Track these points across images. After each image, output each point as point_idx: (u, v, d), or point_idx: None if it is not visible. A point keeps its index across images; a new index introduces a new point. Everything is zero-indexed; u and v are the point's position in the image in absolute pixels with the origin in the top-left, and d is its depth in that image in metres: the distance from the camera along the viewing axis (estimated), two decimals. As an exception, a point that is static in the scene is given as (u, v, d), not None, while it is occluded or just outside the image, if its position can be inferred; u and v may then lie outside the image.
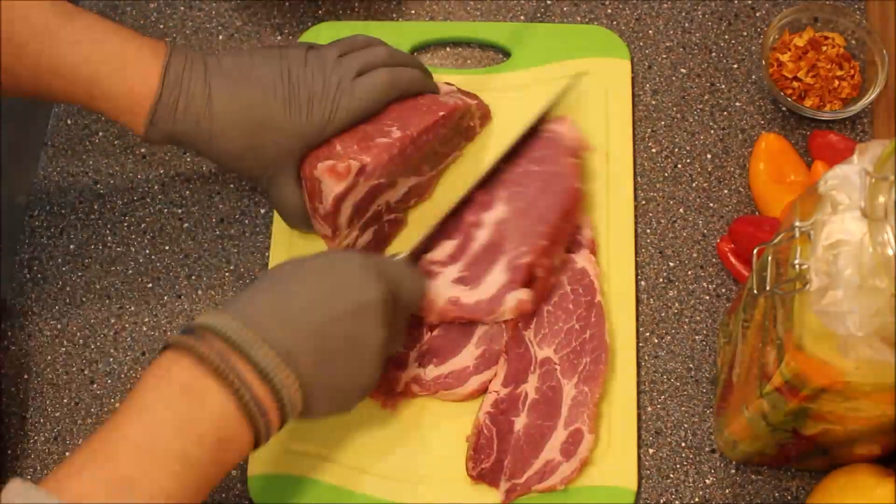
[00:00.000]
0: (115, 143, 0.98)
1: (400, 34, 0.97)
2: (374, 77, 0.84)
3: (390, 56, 0.87)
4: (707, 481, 0.85)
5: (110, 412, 0.88)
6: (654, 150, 0.96)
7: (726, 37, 1.00)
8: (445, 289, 0.85)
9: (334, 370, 0.73)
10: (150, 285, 0.93)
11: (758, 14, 1.01)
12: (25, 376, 0.90)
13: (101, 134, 0.98)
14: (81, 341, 0.91)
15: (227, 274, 0.93)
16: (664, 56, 0.99)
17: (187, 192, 0.96)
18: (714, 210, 0.93)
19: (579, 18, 1.01)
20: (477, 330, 0.86)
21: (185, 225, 0.95)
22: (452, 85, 0.92)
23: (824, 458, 0.80)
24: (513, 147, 0.90)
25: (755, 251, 0.74)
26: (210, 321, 0.70)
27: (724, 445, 0.84)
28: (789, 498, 0.84)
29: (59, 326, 0.91)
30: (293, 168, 0.85)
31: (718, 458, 0.85)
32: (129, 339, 0.91)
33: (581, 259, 0.88)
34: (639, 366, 0.88)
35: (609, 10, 1.01)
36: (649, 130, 0.96)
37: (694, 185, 0.94)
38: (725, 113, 0.97)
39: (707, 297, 0.90)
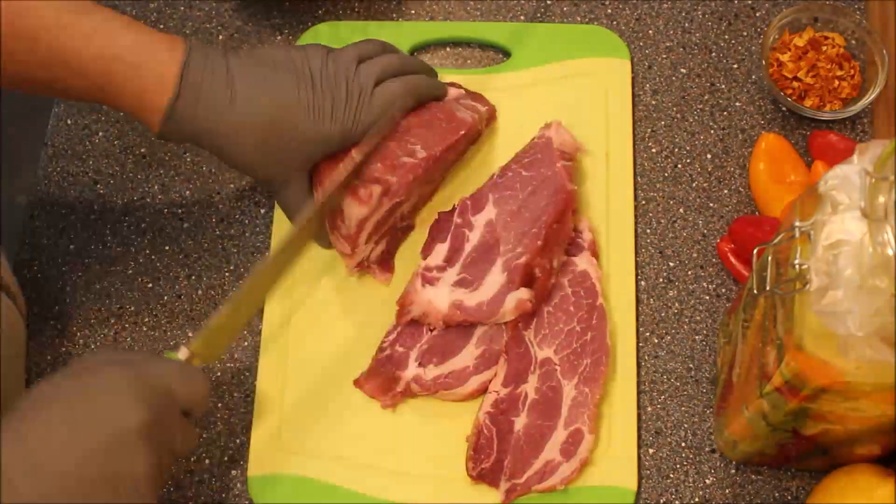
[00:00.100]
0: (115, 143, 0.98)
1: (400, 34, 0.97)
2: (391, 88, 0.84)
3: (403, 64, 0.87)
4: (707, 481, 0.85)
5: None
6: (654, 150, 0.96)
7: (726, 37, 1.00)
8: (447, 294, 0.85)
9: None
10: (150, 285, 0.93)
11: (758, 14, 1.01)
12: (25, 376, 0.90)
13: (101, 134, 0.98)
14: (81, 341, 0.91)
15: (227, 274, 0.93)
16: (664, 56, 0.99)
17: (187, 192, 0.96)
18: (714, 210, 0.93)
19: (579, 18, 1.01)
20: (477, 330, 0.86)
21: (185, 225, 0.95)
22: (459, 86, 0.93)
23: (824, 458, 0.80)
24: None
25: (755, 251, 0.74)
26: None
27: (724, 445, 0.84)
28: (789, 498, 0.84)
29: (59, 326, 0.91)
30: (306, 173, 0.84)
31: (718, 458, 0.85)
32: (129, 339, 0.91)
33: (582, 262, 0.88)
34: (639, 366, 0.88)
35: (609, 10, 1.01)
36: (649, 130, 0.96)
37: (694, 185, 0.94)
38: (725, 113, 0.97)
39: (707, 297, 0.90)
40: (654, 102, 0.97)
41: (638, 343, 0.88)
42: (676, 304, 0.90)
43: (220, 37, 1.01)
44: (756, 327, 0.74)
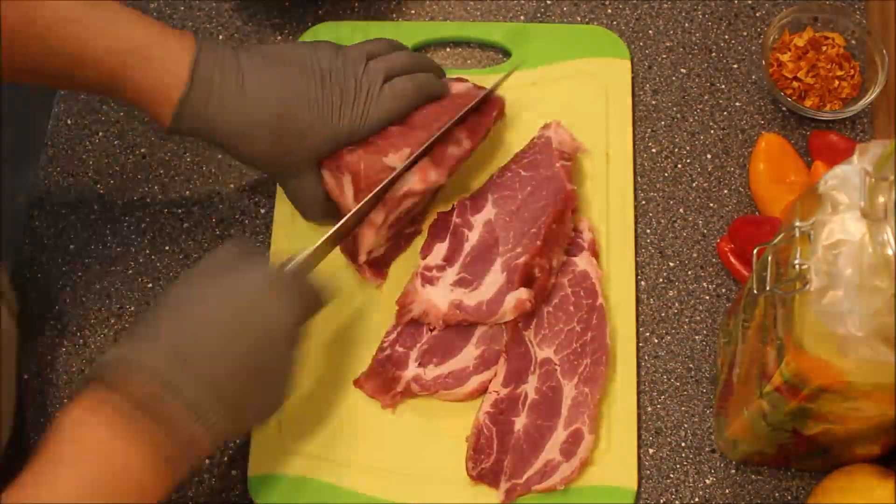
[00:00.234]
0: (115, 143, 0.98)
1: (400, 34, 0.97)
2: (400, 85, 0.84)
3: (413, 62, 0.87)
4: (707, 481, 0.85)
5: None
6: (654, 150, 0.96)
7: (726, 37, 1.00)
8: (447, 293, 0.85)
9: (252, 395, 0.73)
10: (150, 285, 0.93)
11: (758, 14, 1.01)
12: (25, 376, 0.90)
13: (100, 134, 0.98)
14: (81, 341, 0.91)
15: (227, 274, 0.93)
16: (664, 56, 0.99)
17: (187, 192, 0.96)
18: (714, 210, 0.93)
19: (579, 18, 1.01)
20: (477, 330, 0.86)
21: (185, 225, 0.95)
22: (466, 80, 0.92)
23: (824, 458, 0.80)
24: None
25: (755, 251, 0.74)
26: (135, 358, 0.69)
27: (724, 445, 0.84)
28: (789, 498, 0.84)
29: (59, 326, 0.91)
30: (315, 166, 0.85)
31: (718, 458, 0.85)
32: (129, 339, 0.91)
33: (582, 262, 0.88)
34: (639, 366, 0.88)
35: (609, 10, 1.01)
36: (649, 130, 0.96)
37: (694, 185, 0.94)
38: (725, 113, 0.97)
39: (707, 297, 0.90)
40: (654, 102, 0.97)
41: (638, 343, 0.88)
42: (676, 304, 0.90)
43: (221, 37, 1.01)
44: (756, 327, 0.74)
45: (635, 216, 0.93)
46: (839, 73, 0.95)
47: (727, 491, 0.84)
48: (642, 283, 0.91)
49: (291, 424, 0.86)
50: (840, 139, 0.92)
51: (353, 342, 0.88)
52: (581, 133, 0.92)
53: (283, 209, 0.93)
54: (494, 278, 0.85)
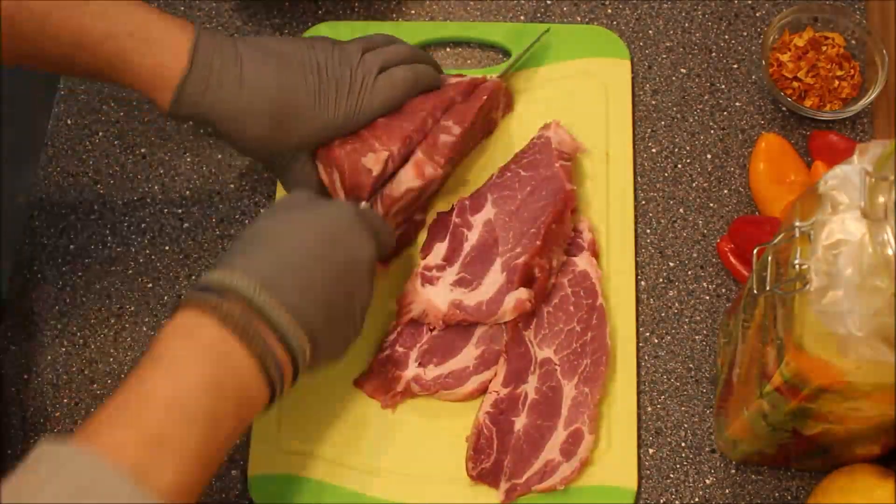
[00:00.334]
0: (115, 143, 0.98)
1: (400, 34, 0.97)
2: (395, 75, 0.85)
3: (409, 54, 0.88)
4: (707, 481, 0.85)
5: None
6: (654, 150, 0.96)
7: (726, 37, 1.00)
8: (446, 293, 0.85)
9: (335, 326, 0.75)
10: (150, 285, 0.93)
11: (758, 14, 1.01)
12: (25, 376, 0.90)
13: (100, 134, 0.98)
14: (81, 341, 0.91)
15: (227, 274, 0.92)
16: (664, 56, 0.99)
17: (187, 192, 0.96)
18: (714, 210, 0.93)
19: (579, 18, 1.01)
20: (477, 330, 0.86)
21: (185, 225, 0.95)
22: (464, 76, 0.92)
23: (824, 458, 0.80)
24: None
25: (755, 251, 0.74)
26: (229, 281, 0.70)
27: (724, 445, 0.84)
28: (789, 498, 0.84)
29: (59, 326, 0.91)
30: (309, 155, 0.86)
31: (718, 458, 0.85)
32: (129, 339, 0.91)
33: (582, 262, 0.88)
34: (639, 366, 0.88)
35: (609, 10, 1.01)
36: (649, 130, 0.96)
37: (694, 185, 0.94)
38: (725, 113, 0.97)
39: (707, 297, 0.90)
40: (654, 102, 0.97)
41: (638, 343, 0.88)
42: (676, 304, 0.90)
43: (220, 37, 1.01)
44: (756, 327, 0.74)
45: (635, 216, 0.93)
46: (839, 73, 0.95)
47: (727, 491, 0.84)
48: (642, 283, 0.91)
49: (291, 424, 0.86)
50: (840, 139, 0.92)
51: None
52: (581, 133, 0.92)
53: (283, 209, 0.93)
54: (494, 278, 0.85)
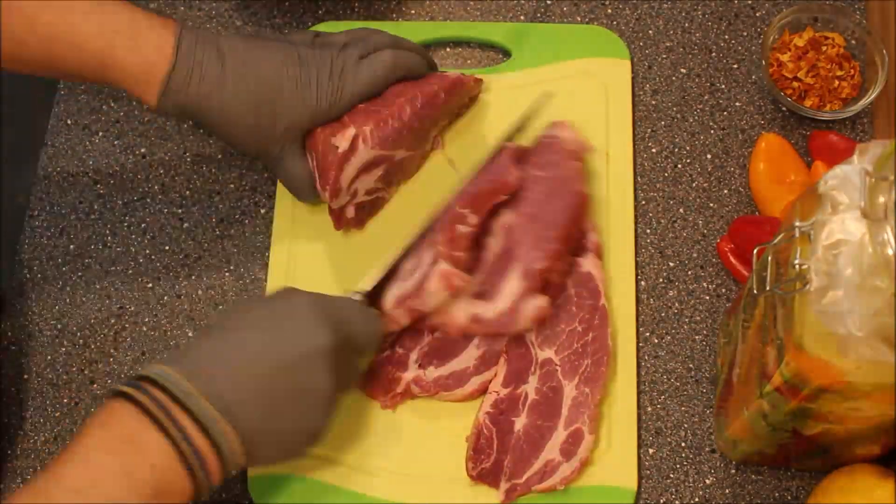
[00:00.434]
0: (115, 143, 0.98)
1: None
2: (377, 59, 0.86)
3: (392, 41, 0.89)
4: (707, 481, 0.85)
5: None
6: (654, 150, 0.96)
7: (726, 37, 1.00)
8: (465, 305, 0.85)
9: (280, 420, 0.73)
10: (150, 285, 0.93)
11: (758, 14, 1.01)
12: (25, 376, 0.90)
13: (100, 134, 0.98)
14: (81, 341, 0.91)
15: (226, 274, 0.93)
16: (664, 56, 0.99)
17: (187, 192, 0.96)
18: (714, 210, 0.93)
19: (579, 18, 1.01)
20: (477, 331, 0.86)
21: (185, 225, 0.95)
22: (445, 73, 0.93)
23: (824, 458, 0.80)
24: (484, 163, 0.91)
25: (755, 251, 0.74)
26: (153, 372, 0.71)
27: (724, 445, 0.84)
28: (789, 498, 0.84)
29: (59, 326, 0.91)
30: (299, 144, 0.86)
31: (718, 458, 0.85)
32: (129, 339, 0.91)
33: (587, 264, 0.88)
34: (639, 366, 0.88)
35: (609, 10, 1.01)
36: (649, 130, 0.96)
37: (694, 185, 0.94)
38: (725, 113, 0.97)
39: (707, 297, 0.90)
40: (654, 102, 0.97)
41: (638, 343, 0.88)
42: (676, 304, 0.90)
43: (220, 37, 1.01)
44: (756, 327, 0.74)
45: (635, 216, 0.93)
46: (839, 73, 0.95)
47: (727, 491, 0.84)
48: (642, 283, 0.91)
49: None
50: (840, 139, 0.92)
51: (353, 342, 0.88)
52: (581, 133, 0.92)
53: (283, 209, 0.93)
54: (511, 286, 0.84)
